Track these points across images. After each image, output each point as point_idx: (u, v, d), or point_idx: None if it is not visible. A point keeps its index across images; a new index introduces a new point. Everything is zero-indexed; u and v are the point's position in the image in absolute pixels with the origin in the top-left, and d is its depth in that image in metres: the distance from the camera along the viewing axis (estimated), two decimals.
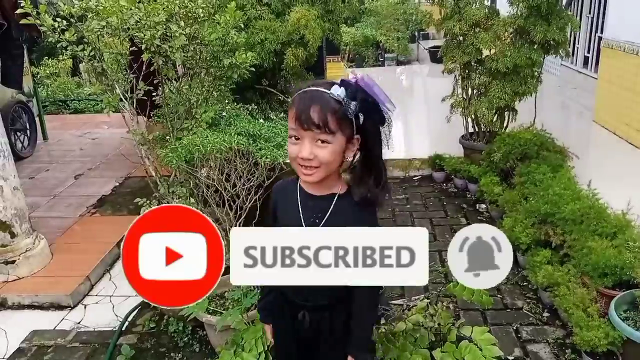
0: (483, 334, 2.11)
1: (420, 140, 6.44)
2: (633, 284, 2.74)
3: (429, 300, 2.36)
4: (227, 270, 3.22)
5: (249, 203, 2.80)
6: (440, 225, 4.43)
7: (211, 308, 2.78)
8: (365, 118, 1.47)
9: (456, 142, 5.43)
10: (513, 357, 2.79)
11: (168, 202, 3.14)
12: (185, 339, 3.09)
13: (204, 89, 3.08)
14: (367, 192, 1.54)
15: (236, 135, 2.47)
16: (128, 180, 5.63)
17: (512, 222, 3.68)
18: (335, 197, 1.58)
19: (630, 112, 5.70)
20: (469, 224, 4.38)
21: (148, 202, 3.11)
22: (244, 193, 2.68)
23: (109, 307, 3.50)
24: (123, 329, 3.23)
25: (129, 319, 3.32)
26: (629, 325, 2.49)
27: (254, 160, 2.64)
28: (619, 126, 5.94)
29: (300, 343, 1.78)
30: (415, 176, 5.61)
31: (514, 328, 3.04)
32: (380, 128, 1.51)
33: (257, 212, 2.78)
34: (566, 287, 2.94)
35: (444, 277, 3.51)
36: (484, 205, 4.65)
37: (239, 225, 2.87)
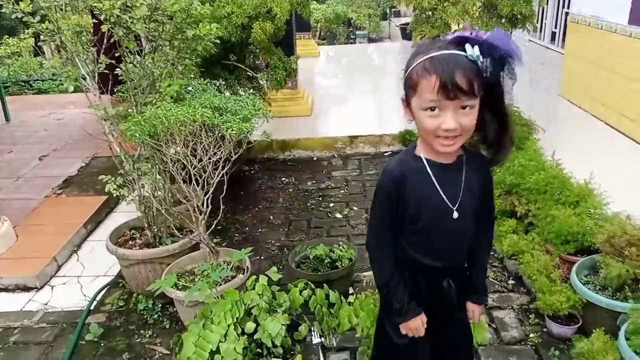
0: None
1: (391, 117, 6.44)
2: (593, 250, 2.82)
3: None
4: (196, 247, 3.21)
5: (217, 178, 2.77)
6: None
7: (181, 284, 2.77)
8: (496, 74, 1.39)
9: None
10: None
11: (133, 179, 3.09)
12: (155, 316, 3.07)
13: (167, 63, 3.01)
14: (503, 151, 1.53)
15: (201, 108, 2.43)
16: (94, 161, 5.51)
17: None
18: (464, 160, 1.56)
19: (594, 86, 5.82)
20: None
21: (113, 179, 3.06)
22: (210, 167, 2.65)
23: (76, 287, 3.45)
24: (91, 308, 3.19)
25: (97, 298, 3.28)
26: (589, 289, 2.57)
27: (220, 134, 2.61)
28: (584, 100, 6.05)
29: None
30: (386, 152, 5.64)
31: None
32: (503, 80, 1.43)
33: (225, 186, 2.75)
34: (530, 255, 3.02)
35: None
36: None
37: (207, 202, 2.84)
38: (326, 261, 3.13)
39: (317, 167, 5.38)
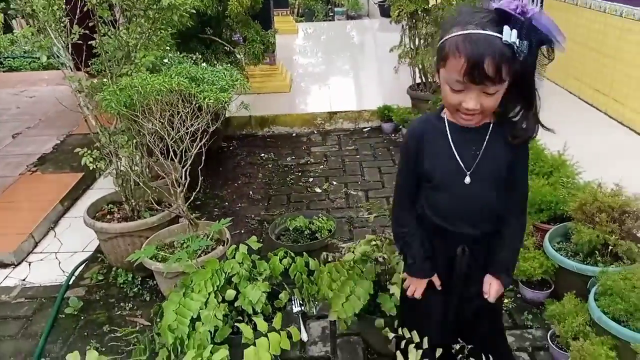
0: None
1: (370, 93, 6.46)
2: (566, 218, 2.89)
3: (375, 235, 2.42)
4: (175, 220, 3.20)
5: (195, 150, 2.76)
6: (388, 174, 4.52)
7: (161, 256, 2.76)
8: (531, 57, 1.35)
9: (404, 94, 5.48)
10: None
11: (110, 152, 3.06)
12: (135, 289, 3.07)
13: (143, 35, 2.96)
14: (527, 127, 1.50)
15: (177, 77, 2.41)
16: (70, 138, 5.42)
17: None
18: (490, 127, 1.53)
19: (568, 62, 5.89)
20: None
21: (89, 152, 3.02)
22: (187, 138, 2.63)
23: (54, 263, 3.42)
24: (70, 282, 3.17)
25: (76, 273, 3.27)
26: (561, 255, 2.65)
27: (197, 105, 2.59)
28: (559, 75, 6.14)
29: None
30: (364, 128, 5.66)
31: None
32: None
33: (203, 158, 2.74)
34: None
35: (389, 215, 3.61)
36: None
37: (185, 174, 2.83)
38: (306, 232, 3.16)
39: (297, 143, 5.38)
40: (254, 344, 1.35)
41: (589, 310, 2.29)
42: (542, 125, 1.55)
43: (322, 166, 4.77)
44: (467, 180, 1.55)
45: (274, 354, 1.34)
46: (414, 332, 1.71)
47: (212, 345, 1.56)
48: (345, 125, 5.69)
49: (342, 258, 2.35)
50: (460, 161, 1.55)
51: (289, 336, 1.42)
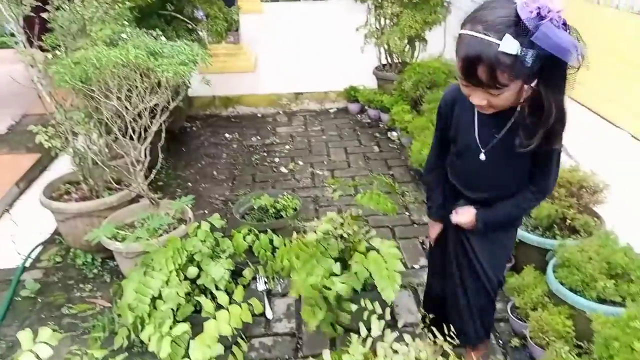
0: (390, 248, 2.21)
1: (336, 73, 6.41)
2: None
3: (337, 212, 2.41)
4: (135, 201, 3.12)
5: (155, 127, 2.69)
6: (354, 154, 4.52)
7: (120, 235, 2.69)
8: (545, 63, 1.29)
9: (370, 74, 5.47)
10: (419, 266, 2.96)
11: (66, 130, 2.95)
12: (95, 270, 3.00)
13: (99, 7, 2.85)
14: (533, 140, 1.43)
15: (134, 50, 2.33)
16: (26, 119, 5.20)
17: (420, 145, 3.81)
18: (516, 112, 1.50)
19: None
20: (381, 151, 4.52)
21: (44, 130, 2.90)
22: (146, 115, 2.56)
23: (10, 246, 3.29)
24: (27, 265, 3.07)
25: (33, 256, 3.16)
26: (521, 229, 2.70)
27: (156, 80, 2.52)
28: None
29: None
30: (331, 108, 5.64)
31: (420, 241, 3.21)
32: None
33: (163, 134, 2.67)
34: None
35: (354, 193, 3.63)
36: (395, 133, 4.78)
37: (145, 152, 2.76)
38: (271, 211, 3.13)
39: (262, 124, 5.32)
40: (215, 317, 1.33)
41: (547, 282, 2.35)
42: (559, 147, 1.54)
43: (287, 146, 4.73)
44: (482, 157, 1.62)
45: (236, 326, 1.32)
46: (376, 303, 1.72)
47: (172, 321, 1.53)
48: (311, 106, 5.65)
49: (306, 237, 2.34)
50: (477, 138, 1.60)
51: (251, 309, 1.40)
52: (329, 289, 2.11)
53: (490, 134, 1.58)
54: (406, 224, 3.40)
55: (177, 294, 2.03)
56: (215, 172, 4.25)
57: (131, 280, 2.13)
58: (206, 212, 3.62)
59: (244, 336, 1.72)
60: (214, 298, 2.22)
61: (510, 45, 1.25)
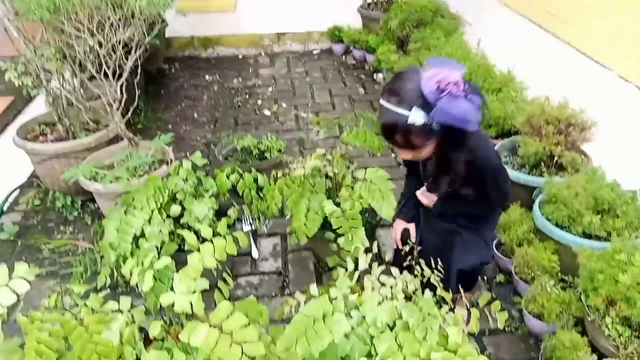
0: (377, 172, 2.16)
1: (320, 13, 6.19)
2: (514, 132, 2.92)
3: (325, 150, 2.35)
4: (114, 141, 3.02)
5: (130, 62, 2.56)
6: (339, 96, 4.42)
7: (100, 176, 2.61)
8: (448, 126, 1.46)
9: (355, 13, 5.28)
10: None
11: (36, 66, 2.80)
12: (75, 213, 2.93)
13: None
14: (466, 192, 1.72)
15: None
16: None
17: None
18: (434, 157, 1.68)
19: None
20: (366, 93, 4.43)
21: (13, 66, 2.75)
22: (120, 48, 2.42)
23: None
24: (4, 208, 2.99)
25: (10, 199, 3.08)
26: (508, 168, 2.67)
27: (129, 11, 2.37)
28: None
29: None
30: (314, 50, 5.48)
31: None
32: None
33: (139, 70, 2.55)
34: None
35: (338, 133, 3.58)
36: (380, 75, 4.67)
37: (121, 89, 2.64)
38: (254, 152, 3.06)
39: (243, 65, 5.15)
40: (199, 250, 1.29)
41: (533, 219, 2.35)
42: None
43: (270, 88, 4.60)
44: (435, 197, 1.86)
45: (220, 259, 1.28)
46: (365, 238, 1.69)
47: (153, 255, 1.48)
48: (294, 47, 5.48)
49: (292, 174, 2.28)
50: (422, 175, 1.86)
51: (236, 241, 1.36)
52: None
53: (430, 178, 1.82)
54: (392, 165, 3.36)
55: (160, 231, 1.99)
56: (195, 115, 4.14)
57: (112, 219, 2.07)
58: (187, 154, 3.50)
59: (229, 272, 1.68)
60: (198, 235, 2.19)
61: (417, 116, 1.44)
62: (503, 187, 1.82)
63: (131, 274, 1.43)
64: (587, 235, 2.16)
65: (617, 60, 3.61)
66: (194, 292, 1.26)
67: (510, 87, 3.11)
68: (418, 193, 1.93)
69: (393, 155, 3.49)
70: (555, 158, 2.53)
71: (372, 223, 2.45)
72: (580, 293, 2.01)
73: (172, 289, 1.31)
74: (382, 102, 1.52)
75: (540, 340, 2.10)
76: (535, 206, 2.35)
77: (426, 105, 1.43)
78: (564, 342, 1.84)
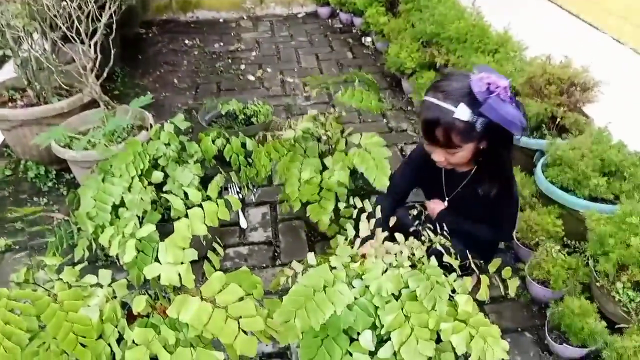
0: (372, 138, 2.02)
1: None
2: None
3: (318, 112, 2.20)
4: (89, 107, 2.82)
5: (104, 19, 2.35)
6: (326, 60, 4.24)
7: (75, 143, 2.43)
8: (491, 129, 1.48)
9: None
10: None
11: (2, 26, 2.57)
12: (50, 183, 2.75)
13: None
14: (488, 189, 1.68)
15: None
16: None
17: (397, 48, 3.57)
18: (471, 174, 1.74)
19: None
20: (355, 58, 4.26)
21: None
22: (93, 2, 2.22)
23: None
24: None
25: None
26: None
27: None
28: None
29: None
30: (299, 13, 5.25)
31: (399, 147, 3.06)
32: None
33: (114, 25, 2.35)
34: None
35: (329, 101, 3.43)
36: (369, 39, 4.50)
37: (95, 47, 2.44)
38: (240, 118, 2.90)
39: (225, 29, 4.92)
40: (186, 216, 1.14)
41: (536, 182, 2.24)
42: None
43: (254, 53, 4.40)
44: (446, 203, 1.88)
45: (212, 225, 1.14)
46: (366, 202, 1.57)
47: (134, 224, 1.34)
48: (277, 11, 5.25)
49: (282, 136, 2.13)
50: (444, 189, 1.85)
51: (228, 205, 1.21)
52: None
53: (455, 186, 1.81)
54: (384, 131, 3.23)
55: (142, 199, 1.83)
56: (176, 81, 3.93)
57: (88, 188, 1.90)
58: (168, 121, 3.34)
59: (219, 241, 1.55)
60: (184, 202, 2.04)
61: (463, 112, 1.45)
62: (515, 219, 1.85)
63: (110, 244, 1.28)
64: (593, 199, 2.06)
65: (611, 22, 3.50)
66: (182, 262, 1.13)
67: (508, 47, 2.97)
68: (427, 202, 1.96)
69: (384, 120, 3.35)
70: (558, 120, 2.42)
71: (366, 189, 2.33)
72: (588, 258, 1.92)
73: (157, 260, 1.17)
74: (428, 98, 1.54)
75: (543, 307, 2.02)
76: (538, 169, 2.24)
77: (473, 103, 1.45)
78: (573, 309, 1.76)
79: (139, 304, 1.13)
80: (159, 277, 1.16)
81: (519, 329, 1.97)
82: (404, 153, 3.01)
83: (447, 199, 1.86)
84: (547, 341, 1.86)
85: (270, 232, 2.42)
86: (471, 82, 1.45)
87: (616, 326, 1.72)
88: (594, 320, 1.74)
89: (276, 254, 2.30)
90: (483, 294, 1.50)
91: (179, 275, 1.12)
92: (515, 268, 2.19)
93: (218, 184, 1.33)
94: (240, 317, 1.08)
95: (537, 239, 2.09)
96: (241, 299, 1.10)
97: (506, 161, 1.68)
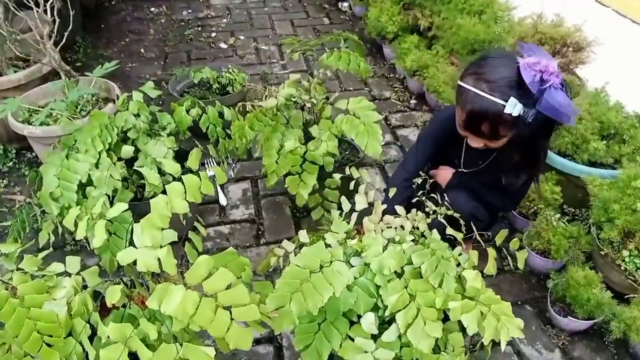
0: (360, 102, 1.87)
1: None
2: None
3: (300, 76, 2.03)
4: (51, 77, 2.58)
5: None
6: (302, 26, 4.04)
7: (35, 118, 2.22)
8: (540, 119, 1.34)
9: None
10: (384, 142, 2.69)
11: None
12: (10, 163, 2.53)
13: None
14: (514, 179, 1.60)
15: None
16: None
17: (377, 12, 3.39)
18: (496, 152, 1.59)
19: None
20: (332, 23, 4.07)
21: None
22: None
23: None
24: None
25: None
26: None
27: None
28: None
29: None
30: None
31: (384, 116, 2.92)
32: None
33: None
34: (436, 68, 2.83)
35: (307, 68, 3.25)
36: (346, 3, 4.31)
37: (52, 11, 2.20)
38: (215, 87, 2.70)
39: None
40: (164, 192, 0.98)
41: None
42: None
43: (225, 20, 4.16)
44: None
45: (193, 201, 0.99)
46: (364, 171, 1.43)
47: (103, 202, 1.17)
48: None
49: (264, 106, 1.96)
50: (462, 164, 1.74)
51: (212, 179, 1.06)
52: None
53: (474, 163, 1.70)
54: (367, 98, 3.08)
55: (111, 176, 1.65)
56: (142, 50, 3.68)
57: (51, 165, 1.71)
58: (139, 89, 3.13)
59: (200, 220, 1.39)
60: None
61: (515, 107, 1.32)
62: (526, 192, 1.78)
63: (77, 227, 1.11)
64: (592, 164, 1.97)
65: None
66: (162, 245, 0.97)
67: (495, 6, 2.83)
68: (433, 171, 1.83)
69: (366, 89, 3.20)
70: None
71: (353, 161, 2.19)
72: (590, 226, 1.83)
73: (132, 243, 1.01)
74: (470, 87, 1.38)
75: (543, 278, 1.94)
76: None
77: (523, 96, 1.31)
78: (578, 280, 1.67)
79: (113, 294, 0.98)
80: (134, 262, 1.00)
81: (519, 302, 1.88)
82: (389, 122, 2.87)
83: (462, 170, 1.74)
84: (549, 314, 1.78)
85: (252, 209, 2.26)
86: (521, 70, 1.30)
87: (625, 296, 1.65)
88: (600, 291, 1.66)
89: (260, 232, 2.15)
90: (491, 268, 1.39)
91: (159, 260, 0.97)
92: (511, 239, 2.10)
93: (198, 153, 1.17)
94: (232, 306, 0.94)
95: (535, 208, 2.00)
96: (229, 286, 0.96)
97: (542, 151, 1.57)
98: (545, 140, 1.54)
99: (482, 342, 1.24)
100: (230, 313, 0.93)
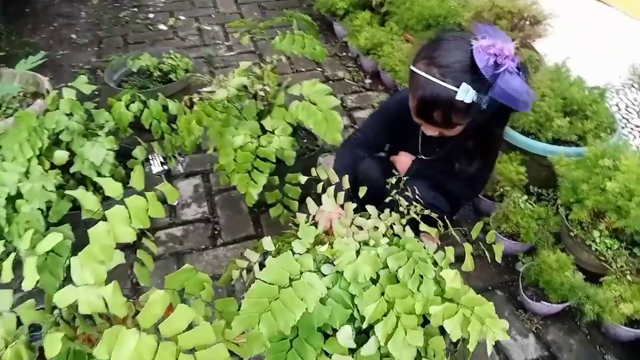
0: (314, 86, 1.74)
1: None
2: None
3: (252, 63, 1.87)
4: None
5: None
6: (246, 4, 3.88)
7: None
8: (495, 106, 1.27)
9: None
10: (342, 125, 2.57)
11: None
12: None
13: None
14: (466, 165, 1.54)
15: None
16: None
17: None
18: (453, 139, 1.50)
19: None
20: (278, 0, 3.88)
21: None
22: None
23: None
24: None
25: None
26: None
27: None
28: None
29: None
30: None
31: (339, 98, 2.80)
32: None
33: None
34: (390, 46, 2.72)
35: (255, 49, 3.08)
36: None
37: None
38: (156, 74, 2.50)
39: None
40: (103, 218, 0.83)
41: None
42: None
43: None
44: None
45: (141, 227, 0.84)
46: (330, 170, 1.31)
47: (33, 231, 0.99)
48: None
49: (212, 97, 1.79)
50: (420, 151, 1.66)
51: (162, 199, 0.91)
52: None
53: (432, 150, 1.63)
54: (320, 81, 2.93)
55: (44, 188, 1.46)
56: (74, 36, 3.39)
57: None
58: (69, 84, 2.87)
59: (147, 232, 1.23)
60: (97, 190, 1.69)
61: (467, 94, 1.25)
62: (487, 179, 1.72)
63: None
64: (555, 141, 1.93)
65: None
66: (107, 282, 0.82)
67: None
68: (394, 157, 1.76)
69: (319, 69, 3.06)
70: None
71: (313, 150, 2.07)
72: (558, 207, 1.79)
73: (70, 279, 0.86)
74: (420, 73, 1.30)
75: (511, 260, 1.90)
76: None
77: (476, 81, 1.24)
78: (550, 264, 1.63)
79: (53, 346, 0.82)
80: (75, 303, 0.85)
81: (489, 287, 1.84)
82: (344, 104, 2.76)
83: (422, 157, 1.68)
84: (521, 298, 1.75)
85: (205, 207, 2.11)
86: (474, 54, 1.23)
87: (600, 279, 1.61)
88: (573, 273, 1.62)
89: (216, 232, 2.01)
90: (468, 265, 1.32)
91: (104, 299, 0.82)
92: (475, 222, 2.05)
93: (140, 162, 1.01)
94: (195, 349, 0.81)
95: (501, 190, 1.94)
96: (191, 325, 0.82)
97: (497, 138, 1.54)
98: (501, 127, 1.49)
99: (462, 342, 1.17)
100: (194, 358, 0.80)
